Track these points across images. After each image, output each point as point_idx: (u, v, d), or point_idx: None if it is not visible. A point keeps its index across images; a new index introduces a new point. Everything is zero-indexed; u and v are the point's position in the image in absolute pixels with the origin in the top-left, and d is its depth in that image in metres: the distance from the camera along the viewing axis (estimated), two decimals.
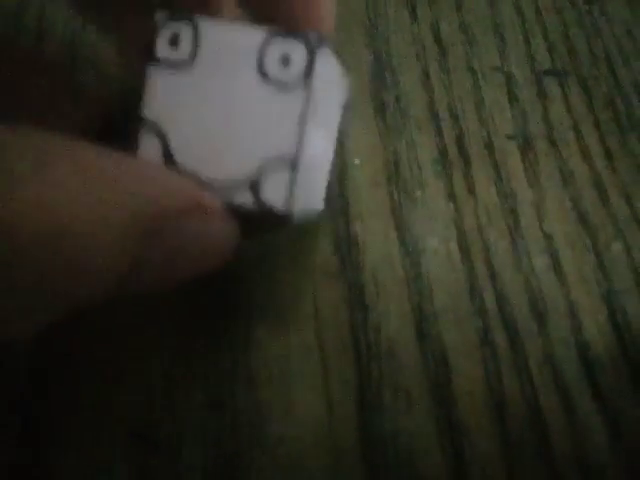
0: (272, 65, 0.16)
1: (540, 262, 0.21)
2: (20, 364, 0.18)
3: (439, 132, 0.23)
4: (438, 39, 0.25)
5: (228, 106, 0.16)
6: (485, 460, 0.18)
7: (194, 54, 0.16)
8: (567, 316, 0.20)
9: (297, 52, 0.16)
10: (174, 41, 0.16)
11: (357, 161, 0.22)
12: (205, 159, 0.16)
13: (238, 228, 0.17)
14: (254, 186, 0.16)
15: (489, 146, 0.23)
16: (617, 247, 0.21)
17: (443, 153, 0.23)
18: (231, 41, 0.16)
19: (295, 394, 0.18)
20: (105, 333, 0.19)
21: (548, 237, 0.21)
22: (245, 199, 0.16)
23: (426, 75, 0.24)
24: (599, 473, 0.17)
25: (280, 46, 0.16)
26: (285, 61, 0.16)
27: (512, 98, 0.24)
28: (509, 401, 0.18)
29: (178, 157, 0.16)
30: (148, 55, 0.16)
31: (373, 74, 0.24)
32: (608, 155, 0.23)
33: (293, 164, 0.16)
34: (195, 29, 0.16)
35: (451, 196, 0.22)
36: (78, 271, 0.14)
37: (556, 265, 0.21)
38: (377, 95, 0.24)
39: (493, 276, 0.20)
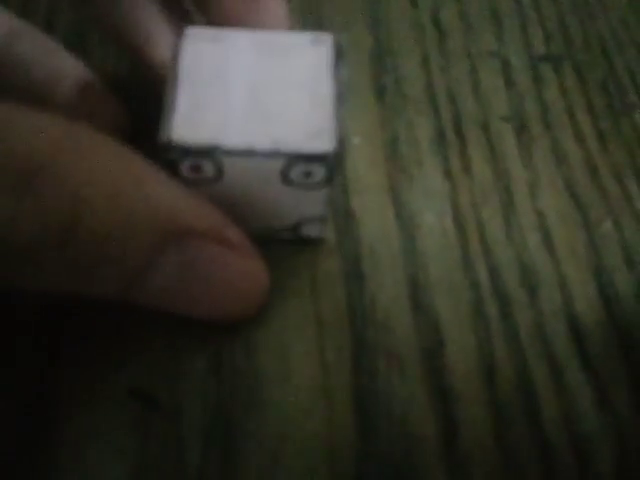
0: (296, 178, 0.17)
1: (532, 238, 0.21)
2: (27, 329, 0.19)
3: (437, 113, 0.24)
4: (437, 25, 0.26)
5: (261, 204, 0.19)
6: (475, 425, 0.18)
7: (218, 178, 0.17)
8: (558, 289, 0.20)
9: (317, 168, 0.17)
10: (196, 169, 0.17)
11: (357, 140, 0.23)
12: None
13: (268, 277, 0.18)
14: (294, 228, 0.20)
15: (485, 127, 0.23)
16: (607, 225, 0.22)
17: (440, 133, 0.23)
18: (253, 169, 0.17)
19: (292, 360, 0.19)
20: (108, 301, 0.19)
21: (541, 214, 0.22)
22: (287, 234, 0.20)
23: (425, 59, 0.25)
24: (586, 438, 0.18)
25: (301, 168, 0.17)
26: (307, 175, 0.17)
27: (508, 82, 0.25)
28: (499, 369, 0.19)
29: None
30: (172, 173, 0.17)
31: (374, 57, 0.25)
32: (600, 137, 0.23)
33: (324, 217, 0.20)
34: (215, 162, 0.17)
35: (447, 174, 0.22)
36: (90, 264, 0.15)
37: (548, 241, 0.21)
38: (377, 77, 0.24)
39: (486, 250, 0.21)
